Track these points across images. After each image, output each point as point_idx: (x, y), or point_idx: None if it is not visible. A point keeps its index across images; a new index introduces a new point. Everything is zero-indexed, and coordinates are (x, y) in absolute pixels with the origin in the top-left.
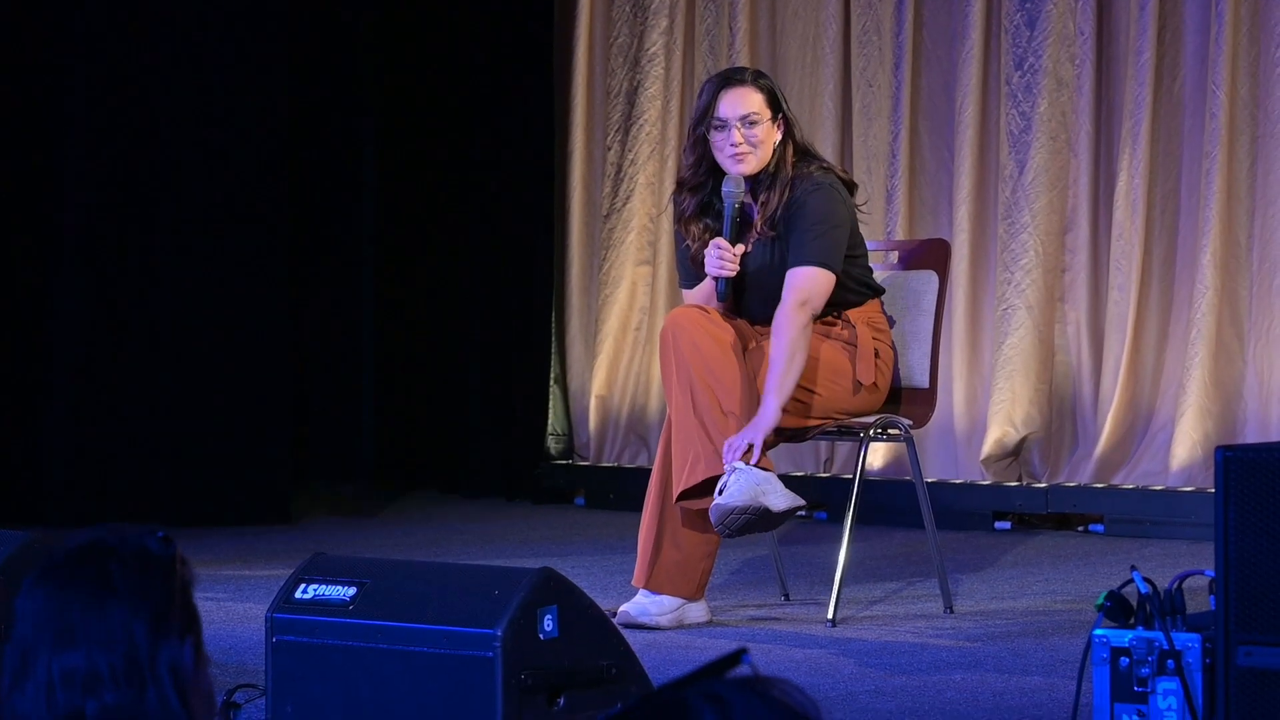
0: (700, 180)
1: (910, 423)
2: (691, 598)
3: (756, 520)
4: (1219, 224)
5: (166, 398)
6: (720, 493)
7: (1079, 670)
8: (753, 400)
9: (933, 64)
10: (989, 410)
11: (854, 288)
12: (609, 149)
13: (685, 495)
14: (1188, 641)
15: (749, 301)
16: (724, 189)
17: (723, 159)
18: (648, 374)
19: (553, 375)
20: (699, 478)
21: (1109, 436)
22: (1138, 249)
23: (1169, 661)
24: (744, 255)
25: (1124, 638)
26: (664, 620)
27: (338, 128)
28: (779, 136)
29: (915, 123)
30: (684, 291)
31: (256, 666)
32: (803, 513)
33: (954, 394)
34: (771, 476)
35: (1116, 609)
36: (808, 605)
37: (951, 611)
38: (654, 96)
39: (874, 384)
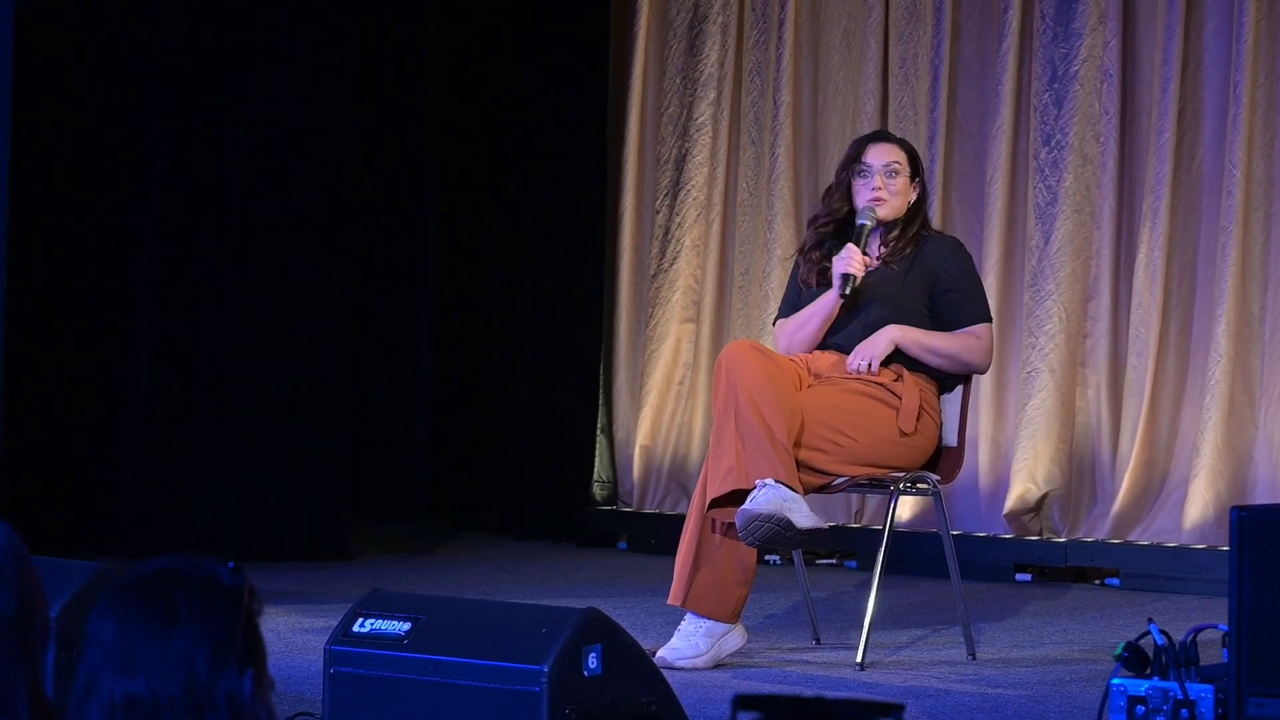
0: (831, 216)
1: (939, 478)
2: (726, 621)
3: (779, 532)
4: (1233, 296)
5: (233, 437)
6: (750, 502)
7: (1096, 717)
8: (796, 428)
9: (965, 139)
10: (1012, 467)
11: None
12: (658, 212)
13: (716, 505)
14: (1201, 692)
15: (843, 324)
16: (860, 211)
17: (860, 201)
18: (690, 426)
19: (600, 425)
20: (729, 487)
21: (1126, 495)
22: (1156, 317)
23: (1183, 711)
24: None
25: (1140, 687)
26: (699, 663)
27: (400, 187)
28: (914, 197)
29: (947, 194)
30: (778, 323)
31: (314, 696)
32: (823, 544)
33: (980, 451)
34: (799, 497)
35: (1134, 659)
36: (838, 649)
37: (974, 659)
38: (701, 164)
39: (915, 433)
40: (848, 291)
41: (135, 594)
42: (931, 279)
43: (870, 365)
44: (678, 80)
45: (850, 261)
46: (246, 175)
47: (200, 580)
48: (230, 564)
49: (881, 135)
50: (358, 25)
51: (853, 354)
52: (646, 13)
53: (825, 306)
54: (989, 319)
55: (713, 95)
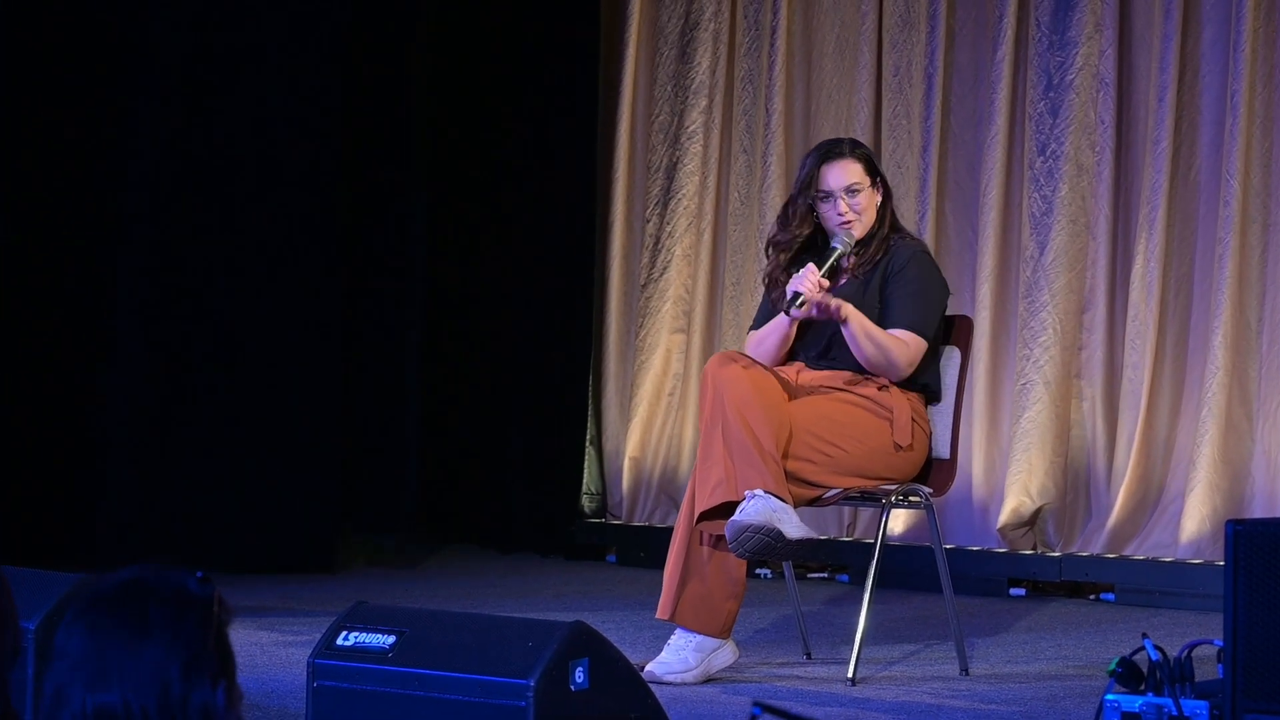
0: (793, 240)
1: (931, 491)
2: (716, 635)
3: (769, 542)
4: (1230, 307)
5: (219, 448)
6: (739, 513)
7: None
8: (784, 439)
9: (959, 147)
10: (1006, 481)
11: (914, 375)
12: (648, 221)
13: (705, 517)
14: (1196, 708)
15: (812, 333)
16: (836, 236)
17: (832, 228)
18: (680, 438)
19: (589, 437)
20: (718, 499)
21: (1121, 509)
22: (1152, 329)
23: None
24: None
25: (1134, 703)
26: (689, 677)
27: (390, 196)
28: (879, 199)
29: (941, 204)
30: (750, 333)
31: (297, 710)
32: (815, 556)
33: (973, 464)
34: (789, 508)
35: (1128, 675)
36: (829, 664)
37: (967, 674)
38: (692, 172)
39: (910, 446)
40: (794, 310)
41: (105, 605)
42: (885, 280)
43: (809, 299)
44: (669, 88)
45: (804, 280)
46: (234, 182)
47: (171, 591)
48: (199, 574)
49: (833, 152)
50: (349, 30)
51: (810, 278)
52: (637, 20)
53: (779, 326)
54: (922, 333)
55: (704, 103)
